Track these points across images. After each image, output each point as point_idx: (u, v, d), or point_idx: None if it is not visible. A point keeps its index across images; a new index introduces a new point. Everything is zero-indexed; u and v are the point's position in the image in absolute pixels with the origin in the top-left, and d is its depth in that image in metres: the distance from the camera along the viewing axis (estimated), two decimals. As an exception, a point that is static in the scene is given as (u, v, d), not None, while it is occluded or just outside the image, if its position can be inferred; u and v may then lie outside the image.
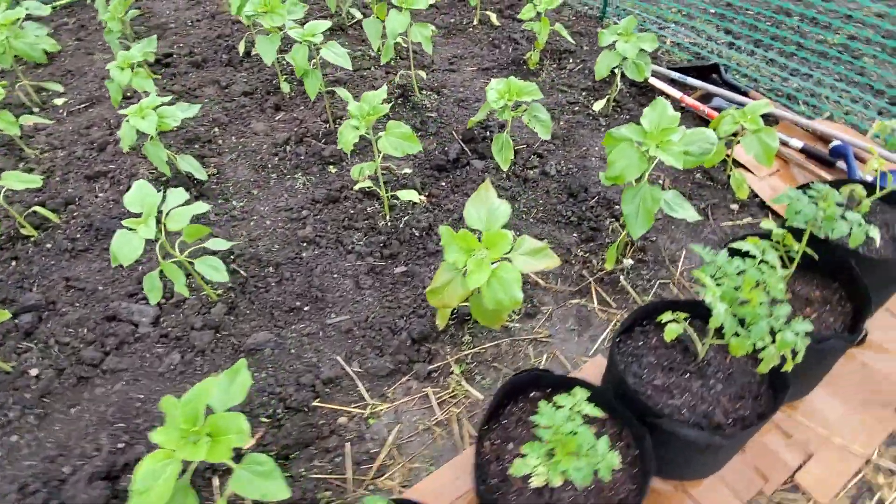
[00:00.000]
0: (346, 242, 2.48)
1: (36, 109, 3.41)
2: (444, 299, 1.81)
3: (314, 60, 2.78)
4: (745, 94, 3.16)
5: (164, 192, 1.94)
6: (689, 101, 3.08)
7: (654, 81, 3.25)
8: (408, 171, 2.82)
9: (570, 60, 3.68)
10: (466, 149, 2.96)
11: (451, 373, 2.04)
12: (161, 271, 1.96)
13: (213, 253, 2.38)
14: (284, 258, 2.42)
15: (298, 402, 1.92)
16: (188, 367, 2.04)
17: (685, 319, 1.50)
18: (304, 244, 2.49)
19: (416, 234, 2.51)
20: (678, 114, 1.78)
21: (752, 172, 2.78)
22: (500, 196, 2.68)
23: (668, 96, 3.23)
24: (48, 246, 2.52)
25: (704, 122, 3.07)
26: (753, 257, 1.46)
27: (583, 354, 2.10)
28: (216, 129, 3.17)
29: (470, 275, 1.63)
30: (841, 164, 2.71)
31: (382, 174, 2.80)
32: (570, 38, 3.44)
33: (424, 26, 2.97)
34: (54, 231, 2.58)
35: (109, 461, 1.76)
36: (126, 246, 1.83)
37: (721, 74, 3.34)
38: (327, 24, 2.71)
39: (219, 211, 2.67)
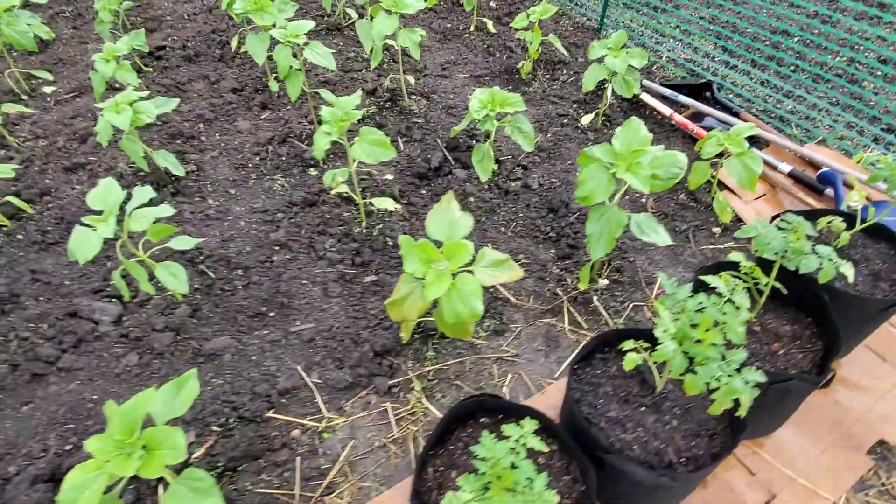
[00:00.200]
0: (318, 248, 2.44)
1: (25, 97, 3.39)
2: (403, 312, 1.77)
3: (299, 61, 2.74)
4: (736, 114, 3.10)
5: (139, 188, 1.92)
6: (679, 118, 3.02)
7: (644, 97, 3.20)
8: (389, 177, 2.78)
9: (564, 72, 3.63)
10: (450, 157, 2.91)
11: (412, 388, 2.00)
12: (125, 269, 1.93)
13: (182, 252, 2.36)
14: (254, 261, 2.39)
15: (252, 411, 1.88)
16: (145, 369, 2.00)
17: (646, 349, 1.45)
18: (276, 248, 2.45)
19: (390, 242, 2.47)
20: (650, 135, 1.73)
21: (737, 196, 2.72)
22: (478, 208, 2.68)
23: (658, 113, 3.18)
24: (19, 237, 2.49)
25: (693, 140, 3.01)
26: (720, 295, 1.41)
27: (548, 377, 2.05)
28: (201, 125, 3.14)
29: (428, 286, 1.59)
30: (829, 191, 2.65)
31: (363, 179, 2.76)
32: (563, 50, 3.39)
33: (413, 31, 2.93)
34: (27, 222, 2.55)
35: (54, 463, 1.72)
36: (84, 243, 1.81)
37: (714, 93, 3.29)
38: (311, 24, 2.67)
39: (194, 209, 2.63)
